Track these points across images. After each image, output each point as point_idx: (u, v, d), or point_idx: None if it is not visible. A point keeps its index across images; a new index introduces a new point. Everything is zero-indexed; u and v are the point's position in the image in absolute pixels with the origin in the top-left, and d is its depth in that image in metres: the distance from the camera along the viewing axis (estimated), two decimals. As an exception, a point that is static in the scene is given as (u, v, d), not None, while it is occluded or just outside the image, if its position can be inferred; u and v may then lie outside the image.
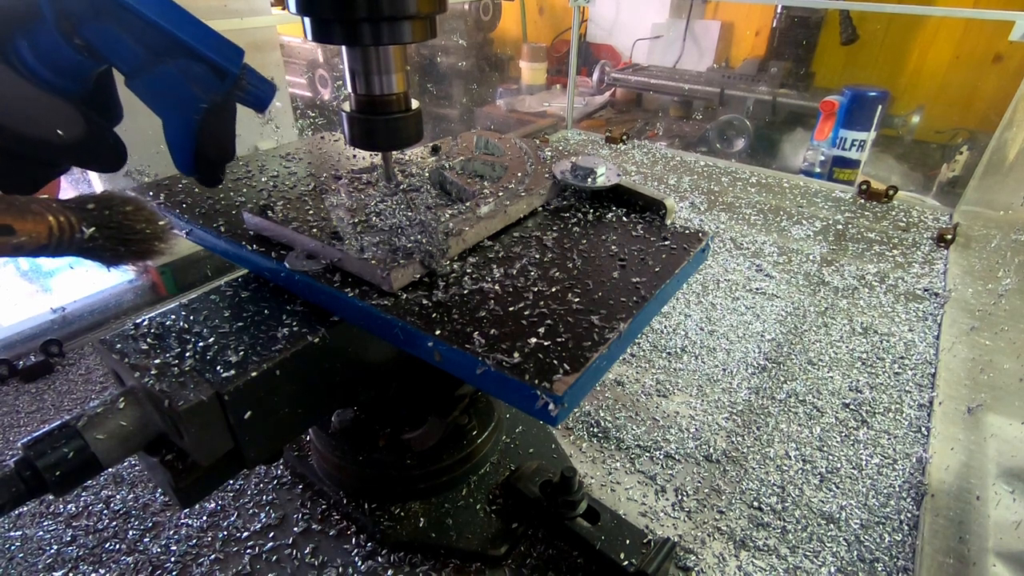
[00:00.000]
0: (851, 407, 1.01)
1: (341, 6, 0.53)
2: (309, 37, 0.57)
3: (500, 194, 0.70)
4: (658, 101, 3.72)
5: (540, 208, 0.74)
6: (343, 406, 0.76)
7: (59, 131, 0.48)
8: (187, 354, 0.54)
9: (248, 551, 0.75)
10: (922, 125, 3.04)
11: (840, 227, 1.67)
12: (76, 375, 1.09)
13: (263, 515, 0.80)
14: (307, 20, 0.56)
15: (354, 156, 0.91)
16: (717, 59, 3.58)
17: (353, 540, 0.77)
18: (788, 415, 1.00)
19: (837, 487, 0.86)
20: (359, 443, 0.77)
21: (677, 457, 0.91)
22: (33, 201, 0.45)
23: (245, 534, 0.78)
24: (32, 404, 1.02)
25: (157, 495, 0.84)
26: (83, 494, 0.84)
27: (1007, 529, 0.78)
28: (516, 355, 0.48)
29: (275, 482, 0.86)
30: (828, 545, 0.78)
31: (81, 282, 1.30)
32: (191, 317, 0.60)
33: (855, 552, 0.77)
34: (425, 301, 0.55)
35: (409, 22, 0.55)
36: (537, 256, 0.63)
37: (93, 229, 0.48)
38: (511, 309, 0.54)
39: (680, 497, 0.85)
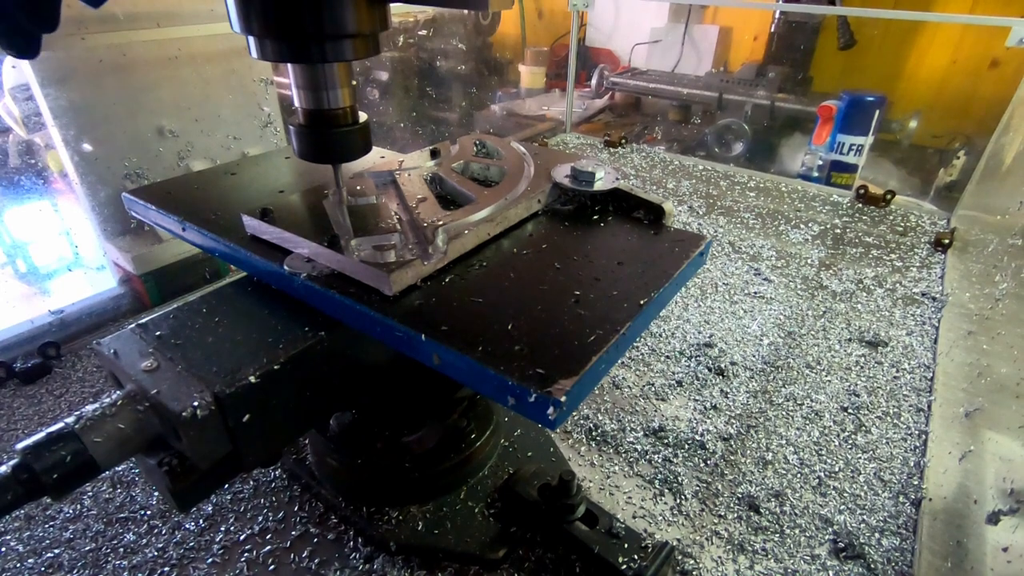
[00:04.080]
0: (849, 411, 1.01)
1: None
2: (255, 55, 0.56)
3: (499, 198, 0.70)
4: (657, 105, 3.73)
5: (539, 212, 0.75)
6: (341, 409, 0.76)
7: None
8: (185, 356, 0.54)
9: (246, 554, 0.75)
10: (919, 130, 3.05)
11: (838, 231, 1.67)
12: (74, 377, 1.09)
13: (261, 518, 0.80)
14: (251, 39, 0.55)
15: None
16: (715, 63, 3.59)
17: (351, 543, 0.77)
18: (786, 419, 1.00)
19: (835, 490, 0.86)
20: (357, 446, 0.77)
21: (675, 460, 0.91)
22: None
23: (242, 537, 0.78)
24: (30, 406, 1.01)
25: (154, 499, 0.84)
26: (81, 497, 0.84)
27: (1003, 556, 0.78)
28: (514, 358, 0.48)
29: (273, 485, 0.86)
30: (826, 549, 0.78)
31: (79, 285, 1.30)
32: (189, 320, 0.60)
33: (854, 556, 0.77)
34: (424, 304, 0.55)
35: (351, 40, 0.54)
36: (536, 259, 0.64)
37: None
38: (510, 312, 0.54)
39: (678, 501, 0.85)
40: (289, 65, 0.57)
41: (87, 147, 1.16)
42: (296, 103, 0.60)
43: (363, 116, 0.63)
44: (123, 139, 1.22)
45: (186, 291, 1.34)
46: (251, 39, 0.55)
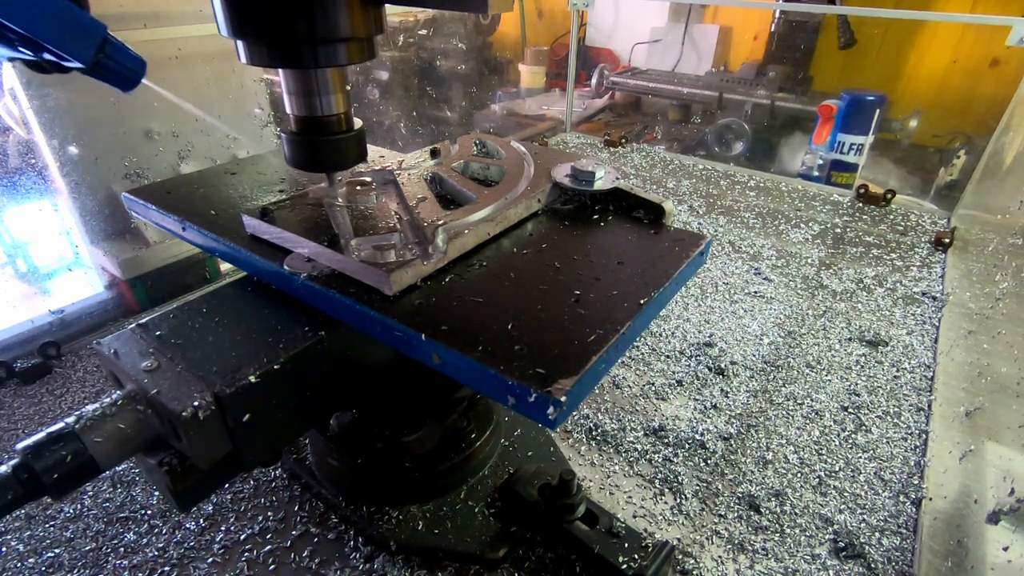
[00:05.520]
0: (849, 410, 1.01)
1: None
2: (243, 60, 0.54)
3: (499, 197, 0.70)
4: (657, 105, 3.73)
5: (539, 211, 0.75)
6: (341, 409, 0.76)
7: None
8: (186, 356, 0.54)
9: (246, 554, 0.75)
10: (920, 129, 3.05)
11: (838, 231, 1.67)
12: (74, 377, 1.09)
13: (261, 518, 0.80)
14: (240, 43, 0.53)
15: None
16: (715, 63, 3.59)
17: (351, 543, 0.77)
18: (787, 418, 1.00)
19: (835, 490, 0.86)
20: (357, 446, 0.77)
21: (675, 460, 0.91)
22: None
23: (243, 536, 0.78)
24: (30, 406, 1.01)
25: (154, 498, 0.84)
26: (81, 497, 0.84)
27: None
28: (514, 358, 0.48)
29: (273, 485, 0.86)
30: (826, 548, 0.78)
31: (80, 285, 1.30)
32: (189, 320, 0.60)
33: (854, 555, 0.77)
34: (424, 304, 0.55)
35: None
36: (536, 259, 0.64)
37: None
38: (510, 312, 0.54)
39: (679, 500, 0.85)
40: (280, 70, 0.56)
41: (73, 150, 1.15)
42: (288, 109, 0.59)
43: (358, 122, 0.62)
44: (122, 139, 1.21)
45: (175, 296, 1.33)
46: (239, 43, 0.54)
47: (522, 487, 0.75)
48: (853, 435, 0.96)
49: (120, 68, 0.54)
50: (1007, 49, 1.54)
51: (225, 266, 1.42)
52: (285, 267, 0.60)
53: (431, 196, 0.71)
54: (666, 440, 0.94)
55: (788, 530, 0.80)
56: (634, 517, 0.82)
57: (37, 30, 0.47)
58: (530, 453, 0.87)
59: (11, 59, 0.55)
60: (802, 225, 1.69)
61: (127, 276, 1.24)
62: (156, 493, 0.84)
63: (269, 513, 0.81)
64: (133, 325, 0.59)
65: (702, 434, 0.95)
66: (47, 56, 0.51)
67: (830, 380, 1.09)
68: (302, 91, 0.57)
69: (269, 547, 0.76)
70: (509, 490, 0.76)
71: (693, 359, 1.13)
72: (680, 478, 0.88)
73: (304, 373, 0.57)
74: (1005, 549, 0.74)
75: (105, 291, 1.29)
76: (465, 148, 0.88)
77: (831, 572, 0.75)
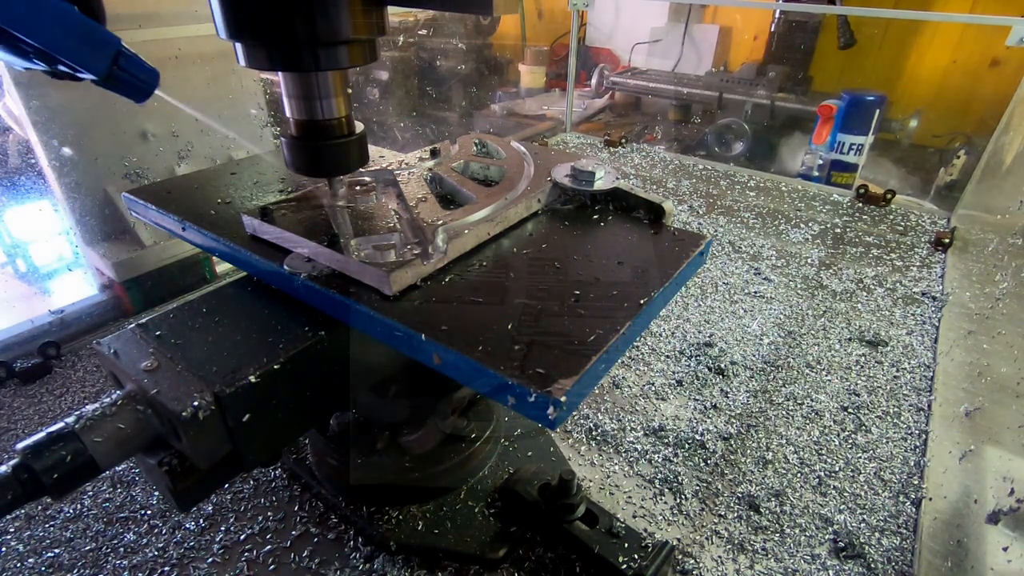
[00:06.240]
0: (849, 410, 1.01)
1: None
2: (242, 62, 0.54)
3: (498, 197, 0.70)
4: (657, 105, 3.73)
5: (539, 211, 0.75)
6: (341, 409, 0.76)
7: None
8: (185, 356, 0.54)
9: (246, 554, 0.75)
10: (919, 129, 3.05)
11: (838, 231, 1.67)
12: (74, 377, 1.09)
13: (261, 518, 0.80)
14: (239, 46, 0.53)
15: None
16: (715, 63, 3.59)
17: (351, 543, 0.77)
18: (786, 418, 1.00)
19: (835, 490, 0.86)
20: (357, 446, 0.77)
21: (675, 460, 0.91)
22: None
23: (243, 536, 0.78)
24: (30, 406, 1.01)
25: (154, 498, 0.84)
26: (81, 497, 0.84)
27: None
28: (514, 358, 0.48)
29: (273, 485, 0.86)
30: (826, 548, 0.78)
31: (80, 285, 1.30)
32: (189, 320, 0.60)
33: (854, 555, 0.77)
34: (424, 304, 0.55)
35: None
36: (535, 259, 0.64)
37: None
38: (509, 312, 0.54)
39: (678, 500, 0.85)
40: (280, 73, 0.55)
41: (68, 151, 1.14)
42: (288, 113, 0.58)
43: (359, 126, 0.61)
44: (123, 138, 1.21)
45: (170, 297, 1.32)
46: (238, 46, 0.53)
47: (522, 487, 0.75)
48: (853, 435, 0.96)
49: (133, 80, 0.54)
50: (1007, 49, 1.54)
51: (221, 268, 1.42)
52: (285, 267, 0.60)
53: (431, 196, 0.71)
54: (666, 440, 0.94)
55: (788, 530, 0.80)
56: (634, 517, 0.82)
57: (52, 43, 0.48)
58: (530, 453, 0.87)
59: (27, 68, 0.55)
60: (802, 225, 1.69)
61: (121, 278, 1.23)
62: (156, 493, 0.84)
63: (269, 513, 0.81)
64: (133, 325, 0.59)
65: (702, 434, 0.95)
66: (61, 68, 0.51)
67: (830, 380, 1.09)
68: (302, 94, 0.56)
69: (269, 547, 0.76)
70: (509, 490, 0.76)
71: (693, 359, 1.13)
72: (680, 478, 0.88)
73: (304, 373, 0.57)
74: (1005, 549, 0.74)
75: (99, 293, 1.29)
76: (465, 148, 0.88)
77: (831, 572, 0.75)
